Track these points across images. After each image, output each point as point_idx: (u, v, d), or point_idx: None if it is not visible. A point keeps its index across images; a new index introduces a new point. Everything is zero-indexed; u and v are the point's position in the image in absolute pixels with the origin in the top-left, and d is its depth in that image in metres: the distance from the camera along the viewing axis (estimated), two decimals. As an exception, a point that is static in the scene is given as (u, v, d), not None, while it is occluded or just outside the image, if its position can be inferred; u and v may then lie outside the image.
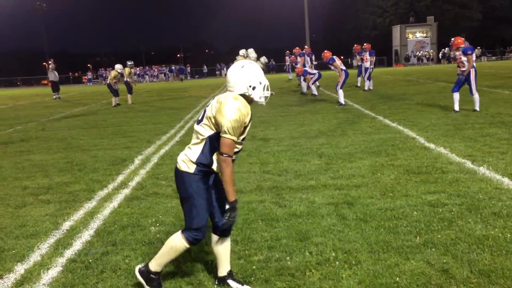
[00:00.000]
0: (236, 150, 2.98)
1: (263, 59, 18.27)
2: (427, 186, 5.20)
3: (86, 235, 4.32)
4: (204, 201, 2.99)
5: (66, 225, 4.64)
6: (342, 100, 13.71)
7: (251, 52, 18.15)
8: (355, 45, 20.38)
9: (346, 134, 8.78)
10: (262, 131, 9.67)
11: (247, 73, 2.99)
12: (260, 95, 3.03)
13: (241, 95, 2.99)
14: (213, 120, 2.93)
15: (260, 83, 3.02)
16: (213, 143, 2.95)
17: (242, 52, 18.14)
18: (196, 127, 3.04)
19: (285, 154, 7.32)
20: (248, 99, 3.02)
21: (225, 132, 2.85)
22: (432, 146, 7.27)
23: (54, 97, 25.39)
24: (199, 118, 3.05)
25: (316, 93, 17.35)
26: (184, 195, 3.01)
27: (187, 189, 2.98)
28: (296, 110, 13.30)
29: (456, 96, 10.76)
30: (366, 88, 18.89)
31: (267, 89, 3.07)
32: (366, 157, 6.78)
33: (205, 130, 2.97)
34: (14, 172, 7.15)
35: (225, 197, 2.99)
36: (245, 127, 2.98)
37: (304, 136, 8.90)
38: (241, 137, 2.99)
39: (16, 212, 5.15)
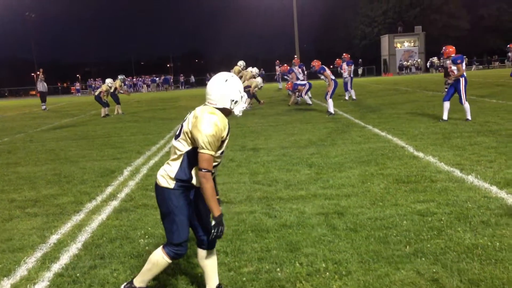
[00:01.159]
0: (214, 164, 2.95)
1: (255, 69, 18.27)
2: (416, 195, 5.22)
3: (74, 248, 4.26)
4: (185, 217, 2.96)
5: (54, 238, 4.57)
6: (331, 109, 13.77)
7: (242, 63, 18.21)
8: (337, 59, 20.47)
9: (336, 144, 8.80)
10: (252, 141, 9.66)
11: (230, 88, 2.96)
12: (240, 109, 3.03)
13: (220, 108, 2.96)
14: (189, 135, 2.89)
15: (242, 98, 3.01)
16: (191, 158, 2.91)
17: (240, 63, 18.15)
18: (173, 142, 3.01)
19: (275, 164, 7.31)
20: (226, 112, 2.99)
21: (202, 147, 2.82)
22: (421, 155, 7.31)
23: (43, 107, 25.21)
24: (177, 133, 3.02)
25: (311, 103, 17.38)
26: (165, 211, 2.98)
27: (167, 205, 2.95)
28: (286, 120, 13.32)
29: (447, 105, 10.85)
30: (346, 98, 19.07)
31: (245, 102, 3.07)
32: (356, 167, 6.80)
33: (183, 146, 2.93)
34: (1, 184, 7.06)
35: (208, 212, 2.97)
36: (222, 141, 2.94)
37: (294, 146, 8.91)
38: (220, 151, 2.96)
39: (3, 226, 5.07)
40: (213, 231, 2.87)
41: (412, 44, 59.41)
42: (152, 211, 5.25)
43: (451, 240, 3.89)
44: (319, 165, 7.03)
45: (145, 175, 7.12)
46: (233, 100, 2.97)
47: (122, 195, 6.02)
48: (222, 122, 2.90)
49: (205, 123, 2.83)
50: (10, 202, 6.02)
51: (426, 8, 65.76)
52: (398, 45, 59.36)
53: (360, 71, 56.37)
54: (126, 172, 7.37)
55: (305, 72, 20.37)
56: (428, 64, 53.70)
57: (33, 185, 6.86)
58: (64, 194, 6.26)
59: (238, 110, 3.02)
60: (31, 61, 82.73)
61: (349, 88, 19.12)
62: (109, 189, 6.36)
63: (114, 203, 5.65)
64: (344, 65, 19.13)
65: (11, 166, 8.51)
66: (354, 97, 18.90)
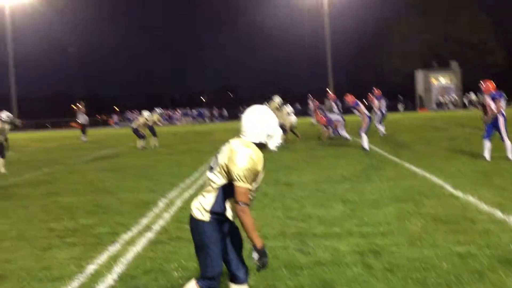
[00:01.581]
0: (250, 197, 2.97)
1: (289, 108, 18.21)
2: (455, 236, 5.07)
3: (110, 279, 4.32)
4: (219, 250, 2.97)
5: (90, 268, 4.65)
6: (366, 145, 13.64)
7: (278, 101, 18.22)
8: (369, 94, 20.29)
9: (371, 180, 8.69)
10: (285, 176, 9.65)
11: (266, 122, 3.00)
12: (275, 143, 3.05)
13: (255, 142, 2.99)
14: (225, 168, 2.93)
15: (276, 132, 3.04)
16: (226, 191, 2.94)
17: (277, 100, 18.16)
18: (208, 174, 3.04)
19: (308, 199, 7.27)
20: (261, 146, 3.02)
21: (238, 181, 2.85)
22: (460, 194, 7.12)
23: (83, 139, 25.97)
24: (211, 165, 3.06)
25: (349, 137, 17.19)
26: (199, 243, 3.00)
27: (201, 237, 2.97)
28: (319, 155, 13.28)
29: (487, 143, 10.38)
30: (381, 133, 18.85)
31: (280, 138, 3.09)
32: (392, 204, 6.68)
33: (218, 178, 2.97)
34: (41, 214, 7.27)
35: (239, 246, 2.99)
36: (258, 175, 2.97)
37: (328, 181, 8.85)
38: (255, 185, 2.98)
39: (42, 254, 5.20)
40: (257, 263, 2.86)
41: (449, 80, 58.68)
42: (186, 244, 5.27)
43: (493, 285, 3.75)
44: (354, 202, 6.94)
45: (180, 207, 7.20)
46: (268, 134, 3.00)
47: (157, 227, 6.09)
48: (257, 155, 2.93)
49: (241, 157, 2.87)
50: (49, 231, 6.17)
51: (462, 44, 65.20)
52: (434, 80, 58.71)
53: (401, 107, 56.18)
54: (161, 204, 7.47)
55: (340, 106, 20.36)
56: (465, 100, 52.77)
57: (72, 215, 7.03)
58: (101, 224, 6.38)
59: (272, 145, 3.04)
60: (73, 94, 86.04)
61: (378, 123, 18.91)
62: (144, 221, 6.45)
63: (149, 235, 5.72)
64: (375, 100, 19.03)
65: (51, 196, 8.76)
66: (383, 133, 18.67)
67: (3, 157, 12.73)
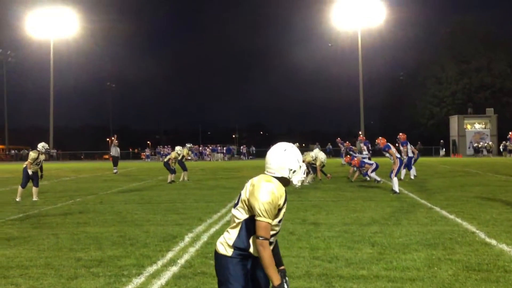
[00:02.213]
0: (273, 232, 2.96)
1: (319, 147, 18.24)
2: (488, 285, 4.87)
3: (132, 311, 4.31)
4: (240, 286, 2.95)
5: (114, 299, 4.66)
6: (396, 188, 13.41)
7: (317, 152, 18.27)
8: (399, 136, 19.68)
9: (400, 224, 8.50)
10: (313, 215, 9.55)
11: (289, 157, 3.03)
12: (299, 178, 3.06)
13: (278, 178, 3.01)
14: (247, 203, 2.95)
15: (300, 167, 3.05)
16: (249, 226, 2.95)
17: (314, 153, 18.11)
18: (233, 210, 3.07)
19: (336, 240, 7.14)
20: (285, 182, 3.03)
21: (259, 215, 2.85)
22: (493, 242, 6.88)
23: (115, 171, 26.45)
24: (236, 202, 3.09)
25: (380, 179, 16.96)
26: (221, 279, 2.99)
27: (224, 273, 2.97)
28: (348, 196, 13.11)
29: None
30: (412, 176, 18.41)
31: (304, 173, 3.10)
32: (421, 249, 6.49)
33: (241, 214, 2.98)
34: (70, 243, 7.38)
35: (267, 283, 2.95)
36: (279, 209, 2.97)
37: (356, 223, 8.69)
38: (277, 220, 2.98)
39: (68, 284, 5.25)
40: None
41: (484, 126, 57.64)
42: (210, 279, 5.25)
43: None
44: (382, 245, 6.79)
45: (205, 242, 7.19)
46: (291, 170, 3.02)
47: (182, 261, 6.09)
48: (278, 190, 2.94)
49: (262, 191, 2.89)
50: (76, 260, 6.25)
51: (497, 91, 64.28)
52: (468, 126, 57.79)
53: (442, 151, 55.52)
54: (187, 239, 7.48)
55: (370, 149, 20.12)
56: (501, 147, 51.48)
57: (99, 245, 7.11)
58: (127, 256, 6.42)
59: (296, 180, 3.06)
60: (107, 127, 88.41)
61: (406, 168, 18.41)
62: (169, 254, 6.46)
63: (174, 269, 5.72)
64: (401, 146, 18.58)
65: (81, 226, 8.90)
66: (401, 178, 17.99)
67: (37, 186, 13.11)
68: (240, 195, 3.08)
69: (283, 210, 3.01)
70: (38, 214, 10.57)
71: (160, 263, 6.03)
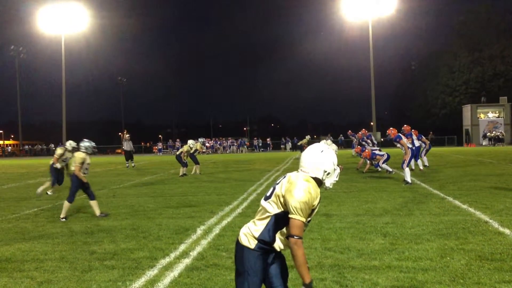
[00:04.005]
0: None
1: (334, 147, 18.10)
2: (501, 275, 4.84)
3: (146, 302, 4.36)
4: (258, 280, 2.95)
5: (128, 291, 4.71)
6: (408, 178, 13.33)
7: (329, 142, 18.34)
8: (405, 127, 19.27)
9: (412, 214, 8.46)
10: (324, 207, 9.54)
11: (325, 159, 3.02)
12: (332, 181, 3.06)
13: (313, 178, 3.00)
14: (281, 199, 2.93)
15: (334, 170, 3.05)
16: (279, 221, 2.94)
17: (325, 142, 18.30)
18: (263, 203, 3.06)
19: (347, 231, 7.14)
20: (317, 182, 3.02)
21: (294, 213, 2.85)
22: (507, 231, 6.82)
23: (127, 165, 26.62)
24: (267, 195, 3.07)
25: (392, 170, 16.81)
26: (240, 269, 3.00)
27: (243, 264, 2.97)
28: (360, 187, 13.07)
29: None
30: (421, 167, 18.17)
31: (337, 176, 3.10)
32: (434, 239, 6.46)
33: (272, 208, 2.97)
34: (84, 236, 7.47)
35: (285, 276, 2.96)
36: (313, 210, 2.97)
37: (368, 213, 8.67)
38: (308, 219, 2.99)
39: (82, 276, 5.32)
40: None
41: (497, 115, 56.94)
42: (222, 271, 5.28)
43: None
44: (394, 235, 6.77)
45: (217, 234, 7.23)
46: (325, 171, 3.02)
47: (194, 253, 6.13)
48: (315, 190, 2.94)
49: (299, 189, 2.88)
50: (90, 254, 6.33)
51: (511, 79, 63.37)
52: (482, 115, 57.14)
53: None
54: (199, 231, 7.53)
55: (374, 142, 20.13)
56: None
57: (112, 238, 7.19)
58: (140, 248, 6.49)
59: (329, 182, 3.06)
60: (119, 121, 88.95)
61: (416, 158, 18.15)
62: (182, 247, 6.51)
63: (186, 261, 5.76)
64: (405, 138, 18.17)
65: (94, 219, 9.00)
66: (413, 168, 17.63)
67: (59, 183, 13.47)
68: (274, 188, 3.05)
69: (316, 211, 3.02)
70: (52, 208, 10.71)
71: (172, 255, 6.09)
